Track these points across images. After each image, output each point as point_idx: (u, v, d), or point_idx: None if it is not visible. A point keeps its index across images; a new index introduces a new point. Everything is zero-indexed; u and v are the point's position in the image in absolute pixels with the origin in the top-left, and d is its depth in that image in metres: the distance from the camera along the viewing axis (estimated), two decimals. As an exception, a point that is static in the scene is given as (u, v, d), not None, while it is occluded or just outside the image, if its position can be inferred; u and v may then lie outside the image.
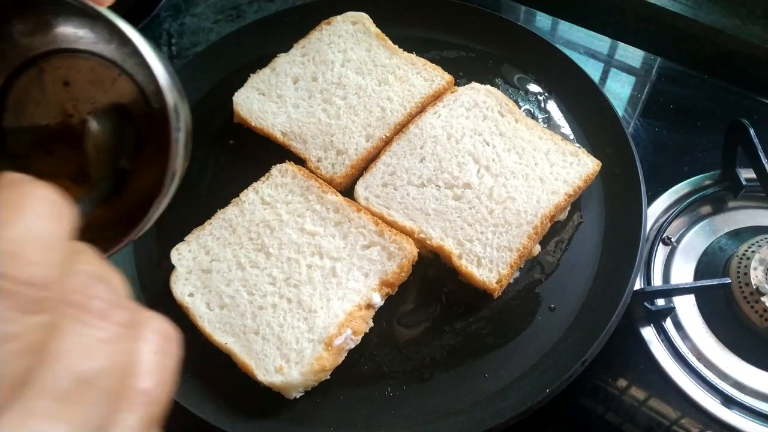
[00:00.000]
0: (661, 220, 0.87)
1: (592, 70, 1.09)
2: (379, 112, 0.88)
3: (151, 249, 0.82)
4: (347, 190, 0.84)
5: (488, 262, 0.75)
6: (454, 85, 0.92)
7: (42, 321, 0.26)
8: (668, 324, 0.80)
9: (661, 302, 0.81)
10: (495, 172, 0.81)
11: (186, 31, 1.21)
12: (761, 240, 0.83)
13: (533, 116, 0.92)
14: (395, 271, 0.73)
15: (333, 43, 0.95)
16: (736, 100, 1.04)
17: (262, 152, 0.88)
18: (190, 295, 0.74)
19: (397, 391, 0.71)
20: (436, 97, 0.90)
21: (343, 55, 0.94)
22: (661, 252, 0.87)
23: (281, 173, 0.83)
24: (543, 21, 1.18)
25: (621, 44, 1.12)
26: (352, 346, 0.71)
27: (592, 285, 0.77)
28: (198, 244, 0.78)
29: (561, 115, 0.93)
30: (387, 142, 0.86)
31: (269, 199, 0.81)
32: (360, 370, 0.73)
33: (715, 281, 0.79)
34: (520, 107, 0.90)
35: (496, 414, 0.67)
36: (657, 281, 0.84)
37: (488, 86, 0.89)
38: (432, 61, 0.93)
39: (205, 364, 0.72)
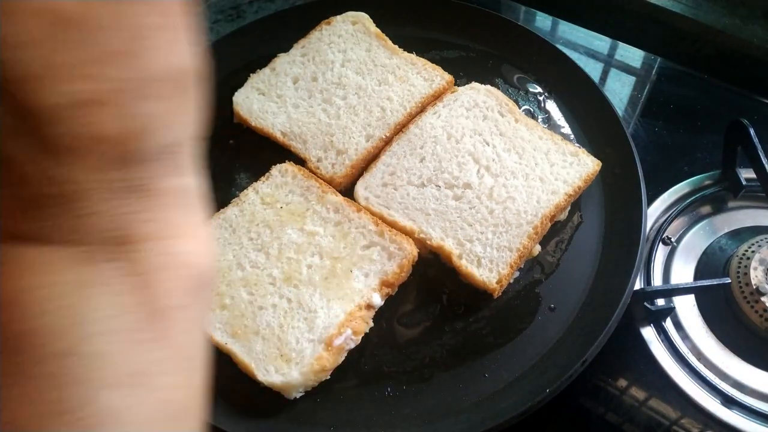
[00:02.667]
0: (661, 220, 0.87)
1: (592, 70, 1.09)
2: (379, 112, 0.88)
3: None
4: (347, 190, 0.84)
5: (488, 262, 0.75)
6: (454, 85, 0.92)
7: None
8: (668, 324, 0.80)
9: (661, 302, 0.81)
10: (495, 172, 0.81)
11: (186, 31, 1.21)
12: (761, 240, 0.83)
13: (533, 116, 0.92)
14: (395, 271, 0.73)
15: (333, 43, 0.95)
16: (736, 100, 1.04)
17: (262, 152, 0.88)
18: (190, 295, 0.74)
19: (397, 391, 0.71)
20: (436, 97, 0.90)
21: (343, 55, 0.94)
22: (661, 252, 0.87)
23: (281, 173, 0.83)
24: (543, 21, 1.18)
25: (621, 44, 1.12)
26: (352, 346, 0.71)
27: (592, 285, 0.77)
28: (198, 244, 0.78)
29: (561, 115, 0.93)
30: (387, 142, 0.86)
31: (269, 199, 0.81)
32: (360, 370, 0.73)
33: (715, 281, 0.80)
34: (520, 107, 0.90)
35: (496, 414, 0.67)
36: (657, 281, 0.84)
37: (488, 86, 0.89)
38: (432, 61, 0.93)
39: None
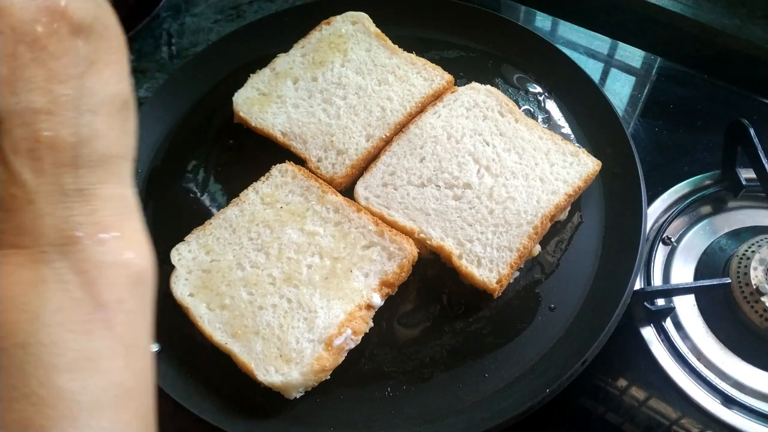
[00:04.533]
0: (661, 220, 0.87)
1: (592, 70, 1.09)
2: (379, 112, 0.88)
3: (150, 249, 0.82)
4: (347, 190, 0.84)
5: (488, 262, 0.75)
6: (454, 85, 0.92)
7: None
8: (668, 324, 0.80)
9: (661, 302, 0.81)
10: (495, 172, 0.81)
11: (186, 31, 1.21)
12: (761, 240, 0.83)
13: (533, 116, 0.92)
14: (395, 272, 0.73)
15: (333, 43, 0.95)
16: (736, 100, 1.04)
17: (262, 152, 0.88)
18: (191, 295, 0.74)
19: (397, 391, 0.71)
20: (436, 96, 0.90)
21: (343, 55, 0.94)
22: (661, 252, 0.87)
23: (281, 173, 0.83)
24: (543, 21, 1.18)
25: (621, 44, 1.12)
26: (352, 346, 0.71)
27: (592, 285, 0.77)
28: (198, 244, 0.78)
29: (561, 115, 0.93)
30: (387, 142, 0.86)
31: (269, 199, 0.81)
32: (360, 370, 0.73)
33: (715, 281, 0.80)
34: (520, 107, 0.90)
35: (496, 414, 0.67)
36: (657, 281, 0.84)
37: (488, 86, 0.89)
38: (432, 61, 0.93)
39: (205, 364, 0.72)
